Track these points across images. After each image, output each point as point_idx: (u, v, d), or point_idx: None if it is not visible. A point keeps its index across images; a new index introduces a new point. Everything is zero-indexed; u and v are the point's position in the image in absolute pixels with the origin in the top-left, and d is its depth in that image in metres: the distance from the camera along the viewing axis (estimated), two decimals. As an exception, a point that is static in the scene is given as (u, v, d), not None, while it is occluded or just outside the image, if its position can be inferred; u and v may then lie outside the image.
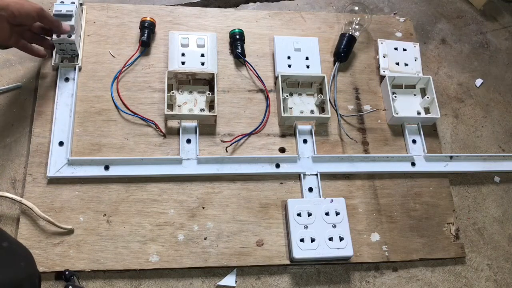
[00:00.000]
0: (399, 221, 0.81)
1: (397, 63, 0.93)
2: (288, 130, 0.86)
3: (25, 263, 0.60)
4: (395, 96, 0.89)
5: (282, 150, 0.84)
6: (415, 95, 0.91)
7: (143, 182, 0.78)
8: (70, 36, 0.78)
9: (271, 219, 0.78)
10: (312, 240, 0.74)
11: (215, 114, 0.81)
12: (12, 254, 0.58)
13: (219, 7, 0.98)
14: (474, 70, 1.00)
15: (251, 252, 0.75)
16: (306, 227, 0.75)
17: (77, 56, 0.84)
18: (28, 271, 0.60)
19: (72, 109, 0.80)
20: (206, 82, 0.86)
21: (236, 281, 0.74)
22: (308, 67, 0.89)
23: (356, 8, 0.95)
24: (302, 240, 0.74)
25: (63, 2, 0.81)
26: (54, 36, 0.79)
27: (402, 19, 1.01)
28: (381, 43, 0.94)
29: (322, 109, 0.87)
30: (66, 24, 0.78)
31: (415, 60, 0.94)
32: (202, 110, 0.83)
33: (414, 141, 0.87)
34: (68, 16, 0.78)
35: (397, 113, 0.87)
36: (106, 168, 0.77)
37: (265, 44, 0.92)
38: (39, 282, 0.62)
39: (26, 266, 0.60)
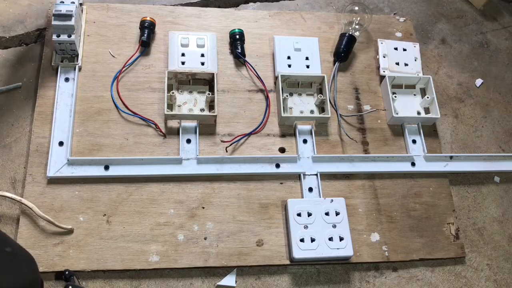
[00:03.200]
0: (399, 221, 0.81)
1: (397, 63, 0.93)
2: (288, 130, 0.86)
3: (28, 269, 0.59)
4: (395, 96, 0.89)
5: (282, 150, 0.84)
6: (415, 95, 0.91)
7: (143, 182, 0.78)
8: (70, 36, 0.78)
9: (271, 219, 0.78)
10: (312, 240, 0.74)
11: (215, 114, 0.81)
12: (15, 259, 0.58)
13: (219, 7, 0.98)
14: (474, 70, 1.00)
15: (251, 252, 0.75)
16: (306, 227, 0.75)
17: (77, 56, 0.84)
18: (30, 277, 0.60)
19: (72, 109, 0.80)
20: (206, 82, 0.86)
21: (236, 281, 0.74)
22: (308, 67, 0.89)
23: (356, 8, 0.95)
24: (302, 240, 0.74)
25: (63, 2, 0.81)
26: (54, 36, 0.79)
27: (402, 19, 1.01)
28: (381, 43, 0.94)
29: (322, 109, 0.87)
30: None
31: (415, 60, 0.94)
32: (202, 110, 0.83)
33: (414, 141, 0.87)
34: (68, 16, 0.78)
35: (397, 113, 0.87)
36: (106, 168, 0.77)
37: (265, 44, 0.92)
38: None
39: (29, 272, 0.59)
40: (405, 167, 0.85)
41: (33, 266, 0.61)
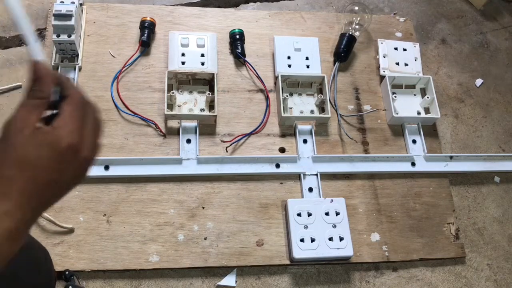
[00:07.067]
0: (399, 221, 0.81)
1: (397, 63, 0.93)
2: (288, 130, 0.85)
3: (45, 265, 0.60)
4: (395, 96, 0.89)
5: (282, 150, 0.84)
6: (415, 95, 0.91)
7: (143, 182, 0.78)
8: (70, 36, 0.78)
9: (271, 219, 0.78)
10: (312, 240, 0.74)
11: (215, 114, 0.81)
12: (35, 254, 0.59)
13: (219, 7, 0.98)
14: (474, 70, 1.00)
15: (251, 252, 0.75)
16: (306, 227, 0.75)
17: (77, 56, 0.84)
18: (49, 272, 0.61)
19: (72, 109, 0.80)
20: (206, 82, 0.86)
21: (236, 281, 0.74)
22: (308, 67, 0.89)
23: (356, 8, 0.95)
24: (302, 240, 0.74)
25: (63, 2, 0.81)
26: (54, 36, 0.79)
27: (402, 19, 1.01)
28: (381, 43, 0.94)
29: (322, 109, 0.87)
30: None
31: (415, 60, 0.93)
32: (202, 110, 0.83)
33: (414, 141, 0.87)
34: (68, 16, 0.78)
35: (397, 113, 0.87)
36: (106, 168, 0.77)
37: (265, 44, 0.92)
38: (54, 286, 0.63)
39: (47, 267, 0.60)
40: (405, 167, 0.85)
41: (48, 259, 0.62)
